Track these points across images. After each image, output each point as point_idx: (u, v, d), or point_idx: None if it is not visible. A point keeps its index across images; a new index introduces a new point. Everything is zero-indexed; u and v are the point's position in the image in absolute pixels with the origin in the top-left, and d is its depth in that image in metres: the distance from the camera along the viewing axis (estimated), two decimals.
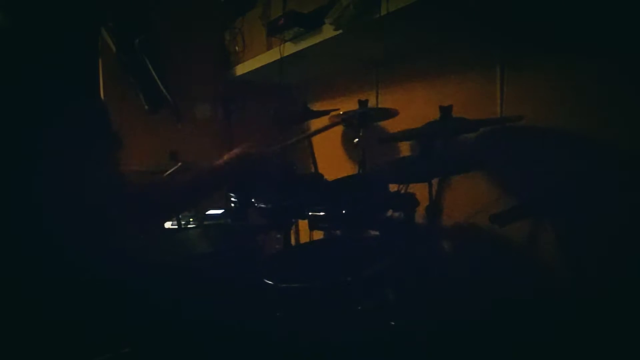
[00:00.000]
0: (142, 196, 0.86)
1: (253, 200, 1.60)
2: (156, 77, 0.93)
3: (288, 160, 1.72)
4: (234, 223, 1.79)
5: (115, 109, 0.94)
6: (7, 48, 0.70)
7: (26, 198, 0.70)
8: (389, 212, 1.44)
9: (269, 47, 2.08)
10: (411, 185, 1.40)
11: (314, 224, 1.41)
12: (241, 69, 2.30)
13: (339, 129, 2.21)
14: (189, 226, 1.99)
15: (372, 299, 1.01)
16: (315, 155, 2.00)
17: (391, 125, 1.87)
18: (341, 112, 1.71)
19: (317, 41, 1.72)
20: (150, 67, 0.92)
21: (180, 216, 1.98)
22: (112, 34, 0.92)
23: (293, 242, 2.01)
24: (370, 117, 1.67)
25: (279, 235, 1.81)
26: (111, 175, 0.79)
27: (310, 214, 1.36)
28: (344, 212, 1.29)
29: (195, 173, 1.06)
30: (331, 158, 2.21)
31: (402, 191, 1.39)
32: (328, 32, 1.64)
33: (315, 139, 2.00)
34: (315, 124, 2.08)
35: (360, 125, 1.60)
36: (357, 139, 1.62)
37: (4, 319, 0.69)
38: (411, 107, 1.76)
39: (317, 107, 2.04)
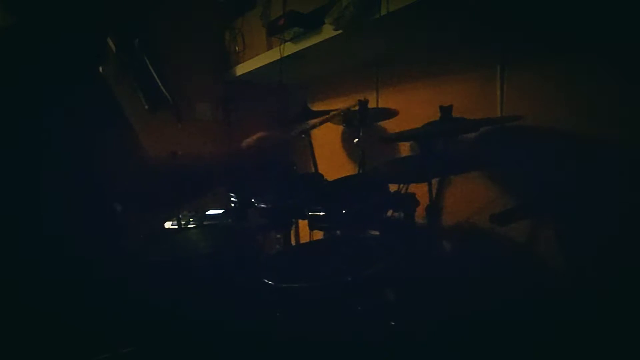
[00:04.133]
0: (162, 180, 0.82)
1: (253, 200, 1.60)
2: (156, 77, 0.93)
3: (288, 160, 1.71)
4: (234, 223, 1.79)
5: None
6: (7, 47, 0.70)
7: (25, 198, 0.70)
8: (389, 212, 1.44)
9: (269, 47, 2.08)
10: (411, 185, 1.40)
11: (314, 224, 1.41)
12: (241, 69, 2.30)
13: (339, 128, 2.21)
14: (189, 226, 1.99)
15: (372, 299, 1.01)
16: (315, 155, 2.00)
17: (391, 125, 1.87)
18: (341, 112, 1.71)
19: (317, 41, 1.72)
20: (150, 67, 0.92)
21: (180, 216, 1.98)
22: (112, 34, 0.92)
23: (293, 242, 2.01)
24: (370, 117, 1.67)
25: (279, 235, 1.81)
26: (122, 163, 0.76)
27: (310, 214, 1.36)
28: (344, 212, 1.29)
29: (212, 159, 1.00)
30: (331, 158, 2.21)
31: (402, 191, 1.39)
32: (328, 32, 1.64)
33: (315, 139, 2.00)
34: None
35: (360, 125, 1.60)
36: (357, 139, 1.62)
37: (3, 319, 0.69)
38: (411, 107, 1.76)
39: (317, 107, 2.04)
